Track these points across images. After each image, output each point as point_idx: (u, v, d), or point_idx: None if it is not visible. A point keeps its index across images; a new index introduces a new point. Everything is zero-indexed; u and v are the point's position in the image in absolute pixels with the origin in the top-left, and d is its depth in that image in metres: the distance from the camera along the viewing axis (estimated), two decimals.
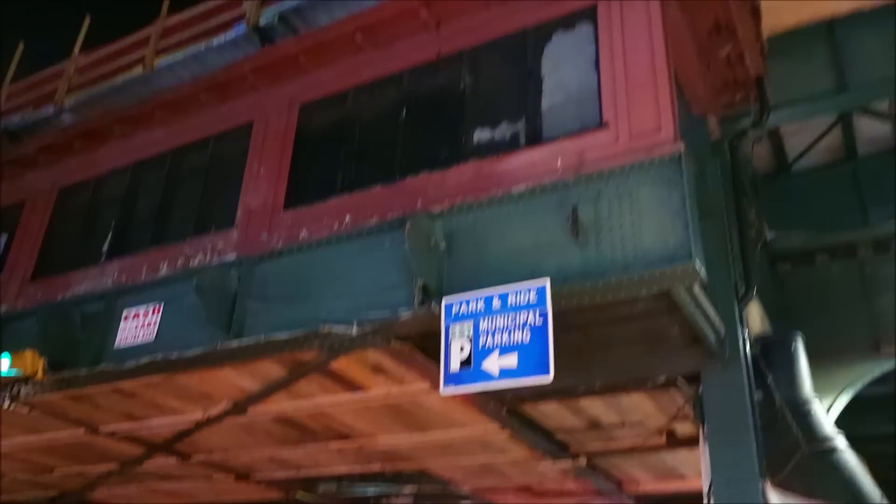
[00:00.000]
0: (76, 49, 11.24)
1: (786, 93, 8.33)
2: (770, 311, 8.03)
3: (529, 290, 5.56)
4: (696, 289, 5.85)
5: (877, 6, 8.21)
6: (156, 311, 7.59)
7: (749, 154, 9.27)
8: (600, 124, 6.05)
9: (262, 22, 9.15)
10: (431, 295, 5.95)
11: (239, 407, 7.98)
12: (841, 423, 8.12)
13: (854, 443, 7.10)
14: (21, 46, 12.37)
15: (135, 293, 7.92)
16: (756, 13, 7.53)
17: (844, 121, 9.42)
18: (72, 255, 9.08)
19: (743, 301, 6.94)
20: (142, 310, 7.67)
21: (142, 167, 9.18)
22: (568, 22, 6.71)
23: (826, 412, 7.90)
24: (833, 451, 6.93)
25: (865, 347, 8.89)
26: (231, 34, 9.36)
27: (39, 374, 7.42)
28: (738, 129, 7.93)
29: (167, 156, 8.97)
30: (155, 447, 9.37)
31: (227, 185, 8.13)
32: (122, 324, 7.71)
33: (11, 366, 7.36)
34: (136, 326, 7.58)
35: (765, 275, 8.88)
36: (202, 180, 8.52)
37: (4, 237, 10.17)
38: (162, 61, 9.87)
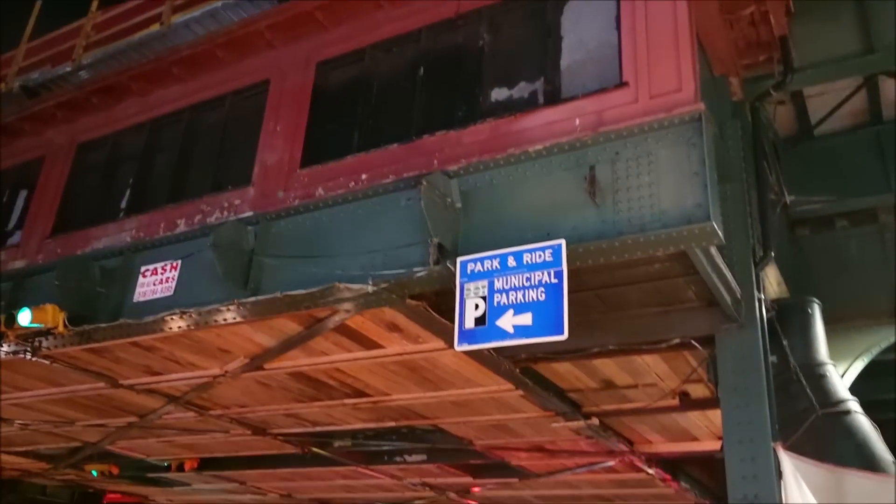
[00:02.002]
0: (94, 6, 11.20)
1: (811, 54, 8.14)
2: (788, 275, 7.98)
3: (545, 250, 5.55)
4: (713, 250, 5.82)
5: None
6: (173, 267, 7.65)
7: (771, 116, 9.13)
8: (620, 83, 5.97)
9: None
10: (447, 254, 5.95)
11: (256, 362, 8.09)
12: (856, 388, 8.11)
13: (868, 409, 7.08)
14: (39, 4, 12.35)
15: (152, 249, 7.99)
16: None
17: (870, 84, 9.22)
18: (90, 211, 9.15)
19: (760, 264, 6.88)
20: (159, 266, 7.74)
21: (159, 124, 9.19)
22: None
23: (841, 377, 7.88)
24: (846, 413, 6.92)
25: (883, 314, 8.82)
26: None
27: (60, 327, 7.53)
28: (760, 90, 7.78)
29: (184, 113, 8.96)
30: (174, 400, 9.53)
31: (244, 142, 8.13)
32: (140, 279, 7.79)
33: (32, 319, 7.47)
34: (155, 282, 7.66)
35: (783, 239, 8.81)
36: (219, 137, 8.52)
37: (24, 194, 10.26)
38: (179, 18, 9.82)
